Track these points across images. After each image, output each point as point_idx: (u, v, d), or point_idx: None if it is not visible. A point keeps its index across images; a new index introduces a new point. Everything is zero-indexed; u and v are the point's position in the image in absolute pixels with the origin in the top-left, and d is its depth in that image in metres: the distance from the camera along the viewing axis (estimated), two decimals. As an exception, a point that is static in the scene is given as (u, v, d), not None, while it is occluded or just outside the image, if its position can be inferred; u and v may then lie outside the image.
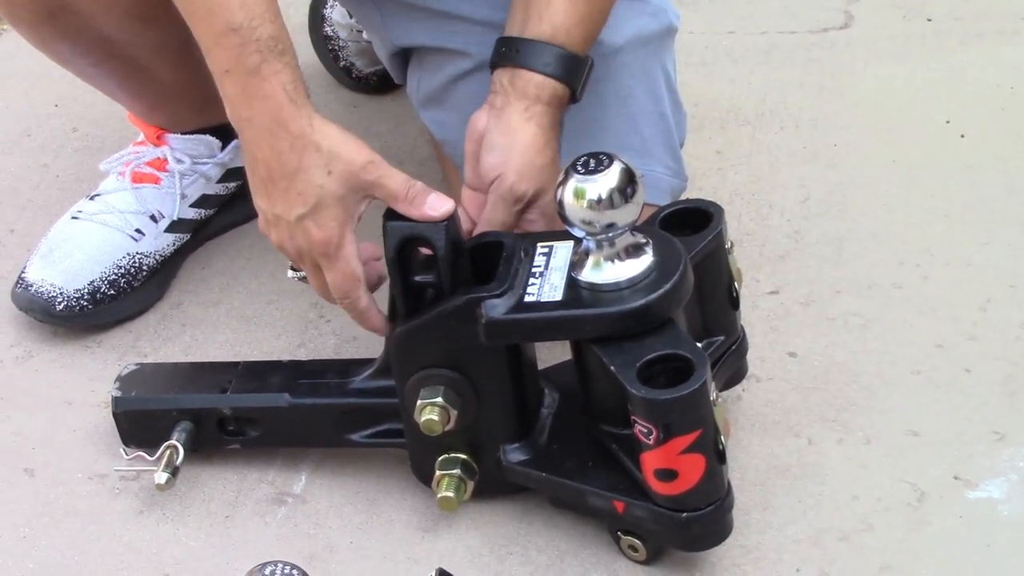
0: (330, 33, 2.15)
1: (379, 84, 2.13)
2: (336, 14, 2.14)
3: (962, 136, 1.95)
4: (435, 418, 1.40)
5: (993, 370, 1.59)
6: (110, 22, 1.62)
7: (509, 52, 1.47)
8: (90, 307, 1.74)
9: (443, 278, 1.37)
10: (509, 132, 1.44)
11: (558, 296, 1.35)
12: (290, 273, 1.44)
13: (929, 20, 2.20)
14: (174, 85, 1.72)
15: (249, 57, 1.31)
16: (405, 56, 1.71)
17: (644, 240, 1.36)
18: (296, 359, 1.66)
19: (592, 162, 1.32)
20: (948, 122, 1.98)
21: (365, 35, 2.07)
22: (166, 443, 1.51)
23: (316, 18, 2.17)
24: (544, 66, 1.45)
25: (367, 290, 1.40)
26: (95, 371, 1.71)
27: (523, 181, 1.44)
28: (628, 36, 1.57)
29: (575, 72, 1.47)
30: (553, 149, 1.46)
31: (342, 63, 2.14)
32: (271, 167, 1.34)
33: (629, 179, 1.31)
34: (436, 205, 1.37)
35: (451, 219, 1.37)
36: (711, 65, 2.15)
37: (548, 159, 1.45)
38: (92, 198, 1.80)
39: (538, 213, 1.46)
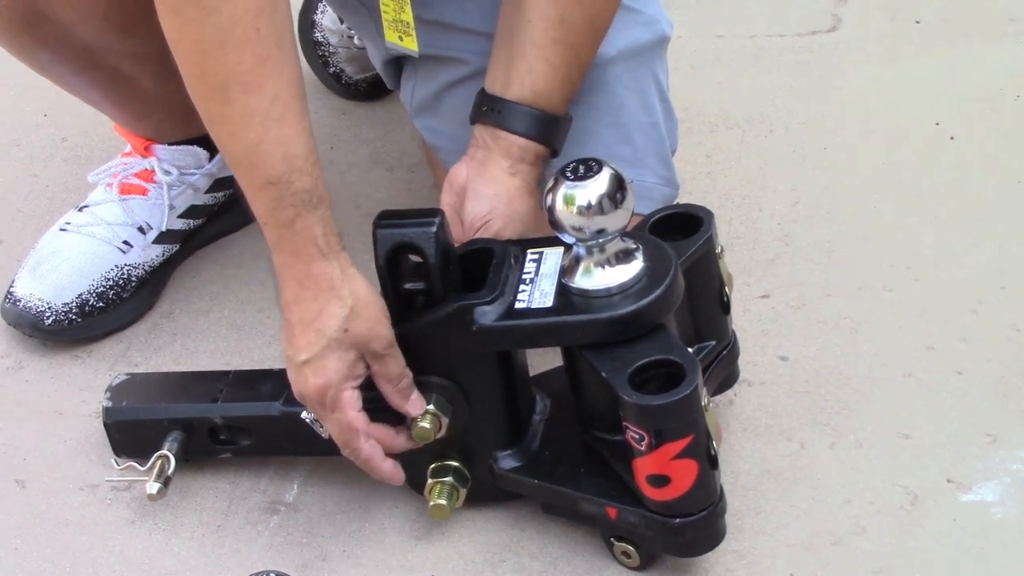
0: (320, 39, 2.14)
1: (369, 90, 2.13)
2: (327, 20, 2.14)
3: (951, 138, 1.95)
4: (427, 426, 1.40)
5: (984, 372, 1.59)
6: (88, 31, 1.62)
7: (491, 112, 1.49)
8: (79, 320, 1.73)
9: (433, 285, 1.37)
10: (494, 183, 1.47)
11: (548, 302, 1.35)
12: (305, 414, 1.43)
13: (917, 22, 2.20)
14: (158, 95, 1.72)
15: (284, 211, 1.33)
16: (399, 63, 1.71)
17: (634, 246, 1.36)
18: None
19: (582, 168, 1.32)
20: (937, 124, 1.98)
21: (357, 41, 2.07)
22: (157, 453, 1.50)
23: (306, 23, 2.17)
24: (526, 129, 1.48)
25: (369, 440, 1.41)
26: (86, 381, 1.70)
27: (509, 227, 1.46)
28: (620, 47, 1.57)
29: (555, 133, 1.50)
30: (536, 198, 1.48)
31: (332, 69, 2.14)
32: (294, 312, 1.36)
33: (618, 185, 1.31)
34: (416, 406, 1.41)
35: (441, 226, 1.36)
36: (700, 69, 2.15)
37: (531, 206, 1.48)
38: (80, 209, 1.80)
39: None
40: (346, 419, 1.38)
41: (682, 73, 2.12)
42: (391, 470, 1.43)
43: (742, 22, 2.26)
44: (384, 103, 2.11)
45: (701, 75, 2.14)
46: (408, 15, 1.55)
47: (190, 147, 1.81)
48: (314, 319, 1.35)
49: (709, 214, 1.47)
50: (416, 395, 1.41)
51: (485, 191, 1.47)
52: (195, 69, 1.33)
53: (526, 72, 1.48)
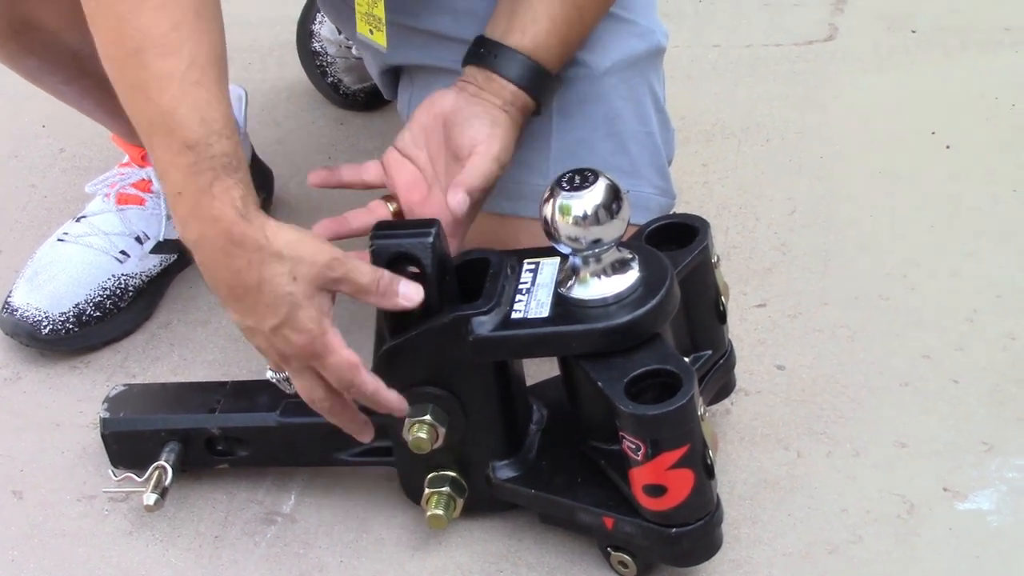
0: (318, 49, 2.15)
1: (367, 100, 2.14)
2: (325, 30, 2.15)
3: (947, 147, 1.95)
4: (423, 436, 1.40)
5: (980, 380, 1.59)
6: (75, 37, 1.61)
7: (487, 55, 1.48)
8: (76, 330, 1.74)
9: (430, 296, 1.37)
10: (489, 111, 1.46)
11: (545, 312, 1.36)
12: (270, 374, 1.41)
13: (913, 31, 2.21)
14: None
15: (203, 176, 1.28)
16: (396, 73, 1.72)
17: (630, 256, 1.36)
18: (284, 378, 1.66)
19: (577, 179, 1.32)
20: (933, 133, 1.98)
21: (354, 51, 2.07)
22: (155, 464, 1.50)
23: (304, 33, 2.17)
24: (519, 77, 1.47)
25: (370, 373, 1.37)
26: (83, 392, 1.70)
27: (503, 154, 1.45)
28: (616, 58, 1.57)
29: (545, 89, 1.50)
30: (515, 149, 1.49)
31: (330, 79, 2.15)
32: (232, 285, 1.31)
33: (614, 195, 1.32)
34: (409, 294, 1.36)
35: (437, 236, 1.37)
36: (697, 79, 2.16)
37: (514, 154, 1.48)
38: (78, 220, 1.81)
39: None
40: (342, 357, 1.33)
41: (679, 83, 2.13)
42: (398, 399, 1.39)
43: (738, 32, 2.27)
44: (382, 113, 2.12)
45: (698, 85, 2.14)
46: (380, 11, 1.55)
47: (187, 158, 1.81)
48: (260, 284, 1.30)
49: (705, 224, 1.47)
50: (403, 282, 1.36)
51: (482, 115, 1.46)
52: (111, 35, 1.30)
53: (529, 22, 1.48)
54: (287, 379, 1.39)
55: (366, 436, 1.42)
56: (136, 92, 1.30)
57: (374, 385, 1.36)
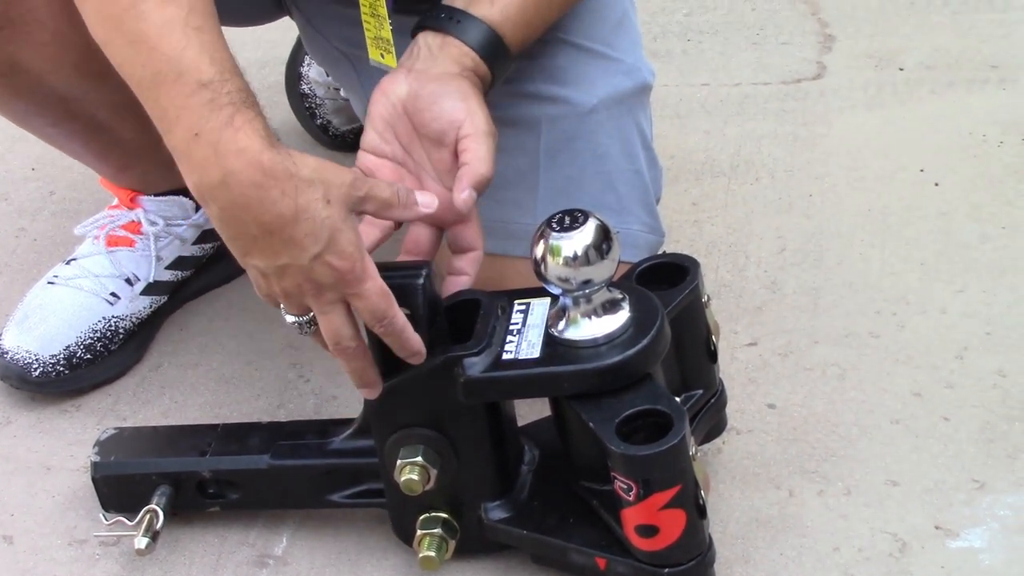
0: (307, 91, 2.15)
1: (356, 142, 2.10)
2: (313, 72, 2.15)
3: (936, 184, 1.96)
4: (415, 477, 1.40)
5: (971, 418, 1.59)
6: (61, 80, 1.61)
7: (447, 20, 1.43)
8: (66, 372, 1.73)
9: (421, 337, 1.37)
10: (453, 84, 1.40)
11: (536, 353, 1.35)
12: (290, 319, 1.35)
13: (901, 69, 2.22)
14: (139, 145, 1.71)
15: (222, 110, 1.25)
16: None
17: (621, 296, 1.36)
18: (275, 420, 1.66)
19: (567, 219, 1.32)
20: (922, 170, 1.99)
21: (342, 93, 2.08)
22: (146, 507, 1.50)
23: (293, 76, 2.18)
24: (479, 45, 1.42)
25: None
26: (74, 435, 1.70)
27: (489, 123, 1.40)
28: (602, 95, 1.58)
29: (501, 64, 1.45)
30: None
31: (319, 121, 2.15)
32: (265, 221, 1.26)
33: (604, 235, 1.32)
34: (427, 202, 1.35)
35: (428, 278, 1.36)
36: (685, 117, 2.17)
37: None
38: (68, 262, 1.81)
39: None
40: (379, 284, 1.30)
41: (668, 121, 2.14)
42: (420, 342, 1.35)
43: (727, 70, 2.28)
44: (371, 154, 2.12)
45: (687, 123, 2.15)
46: (387, 32, 1.53)
47: (176, 197, 1.81)
48: (298, 212, 1.25)
49: (695, 263, 1.47)
50: (419, 193, 1.34)
51: (446, 91, 1.40)
52: None
53: None
54: (310, 322, 1.34)
55: (375, 391, 1.38)
56: (137, 45, 1.27)
57: (403, 321, 1.33)
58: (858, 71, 2.24)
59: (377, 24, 1.53)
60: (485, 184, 1.38)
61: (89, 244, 1.82)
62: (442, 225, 1.43)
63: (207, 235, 1.86)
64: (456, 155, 1.40)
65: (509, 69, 1.47)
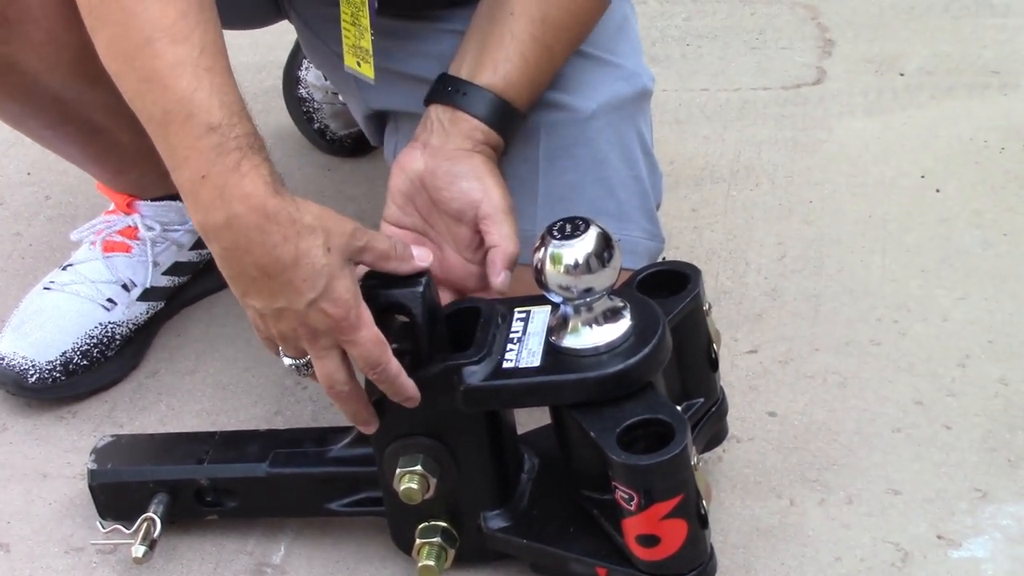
0: (304, 95, 2.15)
1: (353, 146, 2.13)
2: (311, 76, 2.14)
3: (937, 191, 1.95)
4: (414, 486, 1.39)
5: (973, 426, 1.58)
6: (56, 80, 1.60)
7: (455, 93, 1.47)
8: (63, 378, 1.72)
9: (420, 345, 1.36)
10: (468, 163, 1.45)
11: (536, 362, 1.35)
12: (288, 361, 1.37)
13: (901, 75, 2.21)
14: (136, 149, 1.70)
15: (229, 155, 1.27)
16: (381, 119, 1.71)
17: (622, 304, 1.35)
18: (273, 427, 1.65)
19: (568, 227, 1.32)
20: (923, 177, 1.98)
21: (340, 97, 2.07)
22: (143, 515, 1.49)
23: (290, 80, 2.17)
24: (489, 116, 1.46)
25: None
26: (70, 443, 1.69)
27: (507, 199, 1.44)
28: (601, 101, 1.57)
29: (512, 126, 1.49)
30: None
31: (316, 125, 2.14)
32: (265, 264, 1.28)
33: (606, 244, 1.31)
34: (422, 256, 1.37)
35: (427, 286, 1.36)
36: (685, 123, 2.16)
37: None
38: (64, 268, 1.79)
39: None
40: (374, 332, 1.31)
41: (667, 127, 2.13)
42: (414, 388, 1.36)
43: (727, 75, 2.27)
44: (369, 159, 2.12)
45: (686, 129, 2.14)
46: (367, 43, 1.53)
47: (172, 202, 1.80)
48: (297, 258, 1.27)
49: (696, 271, 1.46)
50: (414, 247, 1.36)
51: (462, 170, 1.44)
52: (117, 29, 1.29)
53: (502, 61, 1.46)
54: (307, 364, 1.35)
55: (372, 427, 1.39)
56: (149, 83, 1.29)
57: (398, 367, 1.34)
58: (858, 76, 2.23)
59: (357, 33, 1.54)
60: (516, 261, 1.42)
61: (86, 249, 1.81)
62: (463, 292, 1.47)
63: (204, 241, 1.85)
64: (476, 231, 1.44)
65: (520, 127, 1.51)
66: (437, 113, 1.48)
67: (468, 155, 1.45)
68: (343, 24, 1.54)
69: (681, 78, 2.27)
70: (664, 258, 1.64)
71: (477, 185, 1.44)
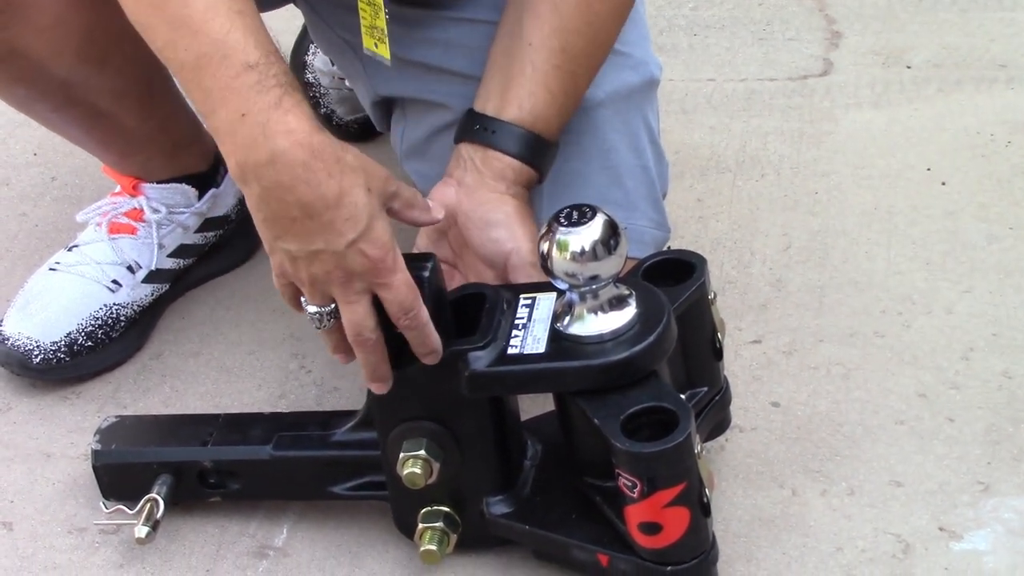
0: (311, 80, 2.15)
1: (360, 132, 2.13)
2: (318, 61, 2.14)
3: (943, 183, 1.95)
4: (418, 471, 1.39)
5: (976, 419, 1.58)
6: (62, 65, 1.60)
7: (483, 131, 1.47)
8: (67, 359, 1.73)
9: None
10: (501, 208, 1.45)
11: (541, 348, 1.35)
12: (312, 309, 1.34)
13: (908, 67, 2.21)
14: (142, 133, 1.71)
15: (270, 92, 1.25)
16: (387, 105, 1.71)
17: (627, 292, 1.35)
18: (277, 411, 1.65)
19: (575, 214, 1.32)
20: (929, 169, 1.98)
21: (347, 83, 2.07)
22: (146, 496, 1.49)
23: (297, 65, 2.17)
24: (520, 151, 1.46)
25: None
26: (74, 423, 1.69)
27: (534, 251, 1.42)
28: (609, 90, 1.57)
29: (546, 158, 1.49)
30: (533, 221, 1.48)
31: (323, 110, 2.14)
32: (308, 202, 1.26)
33: (612, 231, 1.31)
34: (437, 209, 1.39)
35: (433, 271, 1.36)
36: (691, 113, 2.16)
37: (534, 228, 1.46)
38: (70, 249, 1.80)
39: None
40: (408, 277, 1.31)
41: (673, 116, 2.13)
42: (439, 342, 1.35)
43: (733, 66, 2.27)
44: (376, 144, 2.11)
45: (693, 119, 2.14)
46: (382, 22, 1.53)
47: (179, 185, 1.81)
48: (341, 196, 1.26)
49: (702, 260, 1.46)
50: (429, 200, 1.38)
51: (496, 218, 1.45)
52: None
53: (526, 96, 1.47)
54: (331, 313, 1.34)
55: (387, 386, 1.38)
56: (180, 29, 1.28)
57: (427, 315, 1.34)
58: (865, 68, 2.23)
59: (372, 13, 1.53)
60: None
61: (91, 231, 1.81)
62: None
63: (209, 223, 1.85)
64: (504, 277, 1.46)
65: (553, 156, 1.51)
66: (468, 152, 1.47)
67: (501, 200, 1.46)
68: (360, 4, 1.54)
69: (688, 68, 2.27)
70: (670, 247, 1.64)
71: (507, 235, 1.44)
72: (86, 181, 2.10)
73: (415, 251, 1.47)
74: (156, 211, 1.80)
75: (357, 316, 1.32)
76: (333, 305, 1.33)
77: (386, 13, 1.52)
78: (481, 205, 1.46)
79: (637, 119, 1.62)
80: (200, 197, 1.82)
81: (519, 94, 1.47)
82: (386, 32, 1.54)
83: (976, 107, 2.10)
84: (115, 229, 1.80)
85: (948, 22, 2.32)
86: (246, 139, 1.26)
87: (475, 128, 1.48)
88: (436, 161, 1.61)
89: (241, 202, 1.88)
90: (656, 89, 1.66)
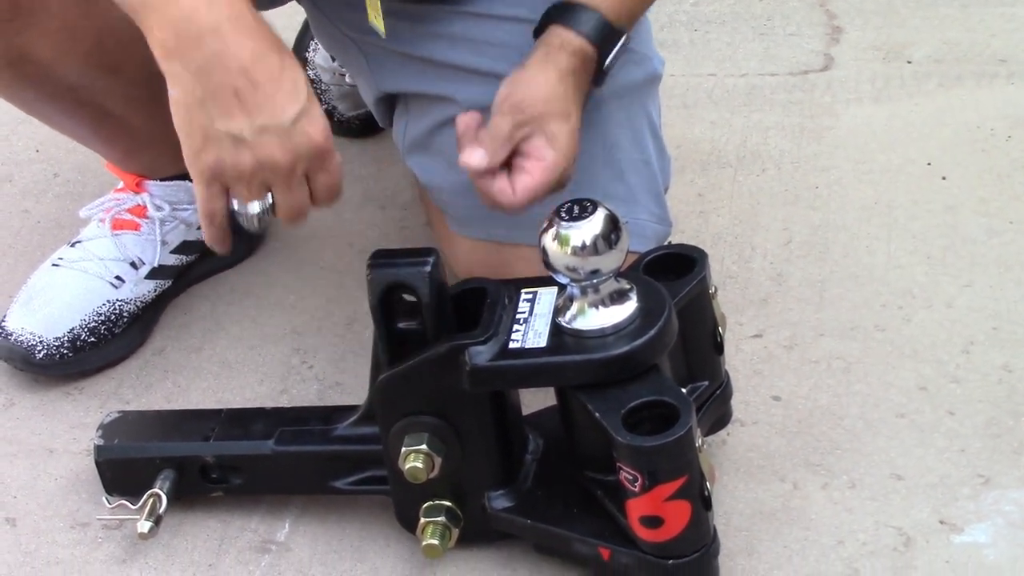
0: (312, 76, 2.15)
1: (361, 128, 2.14)
2: (319, 57, 2.15)
3: (943, 178, 1.95)
4: (419, 465, 1.39)
5: (976, 412, 1.59)
6: (72, 70, 1.60)
7: (550, 13, 1.47)
8: (70, 355, 1.73)
9: (427, 325, 1.37)
10: (524, 69, 1.44)
11: (542, 343, 1.35)
12: (256, 208, 1.31)
13: (909, 62, 2.22)
14: (148, 133, 1.71)
15: None
16: (390, 101, 1.71)
17: (628, 286, 1.36)
18: (279, 406, 1.65)
19: (576, 208, 1.32)
20: (929, 164, 1.98)
21: (348, 79, 2.07)
22: (149, 491, 1.50)
23: (298, 61, 2.17)
24: (579, 25, 1.45)
25: None
26: (77, 418, 1.70)
27: (528, 101, 1.42)
28: (613, 86, 1.57)
29: (607, 39, 1.47)
30: (567, 88, 1.44)
31: (325, 106, 2.14)
32: (252, 74, 1.24)
33: (613, 225, 1.31)
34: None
35: (435, 265, 1.36)
36: (692, 107, 2.16)
37: (558, 93, 1.43)
38: (73, 245, 1.80)
39: (543, 140, 1.43)
40: (339, 158, 1.32)
41: (675, 111, 2.13)
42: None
43: (734, 60, 2.28)
44: (377, 140, 2.12)
45: (693, 113, 2.15)
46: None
47: (182, 182, 1.81)
48: (283, 69, 1.26)
49: (703, 255, 1.47)
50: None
51: (513, 77, 1.44)
52: None
53: None
54: (270, 208, 1.32)
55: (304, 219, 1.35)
56: None
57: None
58: (866, 63, 2.23)
59: None
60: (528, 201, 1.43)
61: (94, 227, 1.82)
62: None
63: (212, 220, 1.86)
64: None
65: (621, 43, 1.48)
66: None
67: (536, 65, 1.43)
68: None
69: (689, 63, 2.27)
70: (671, 242, 1.64)
71: (508, 91, 1.43)
72: (88, 177, 2.10)
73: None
74: (159, 208, 1.80)
75: (299, 200, 1.31)
76: (269, 200, 1.32)
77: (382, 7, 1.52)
78: (514, 73, 1.44)
79: (640, 114, 1.63)
80: (202, 193, 1.82)
81: None
82: (379, 8, 1.54)
83: (977, 102, 2.11)
84: (118, 225, 1.81)
85: (949, 17, 2.33)
86: (187, 8, 1.23)
87: (547, 13, 1.47)
88: (440, 154, 1.61)
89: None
90: (658, 84, 1.67)
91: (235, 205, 1.33)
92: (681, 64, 2.27)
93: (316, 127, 1.28)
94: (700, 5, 2.44)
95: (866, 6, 2.38)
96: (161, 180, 1.81)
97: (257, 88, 1.25)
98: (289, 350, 1.77)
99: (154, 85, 1.52)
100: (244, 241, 1.91)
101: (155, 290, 1.82)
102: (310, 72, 2.15)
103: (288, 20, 2.10)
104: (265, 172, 1.29)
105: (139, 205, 1.81)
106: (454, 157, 1.51)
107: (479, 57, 1.57)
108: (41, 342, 1.72)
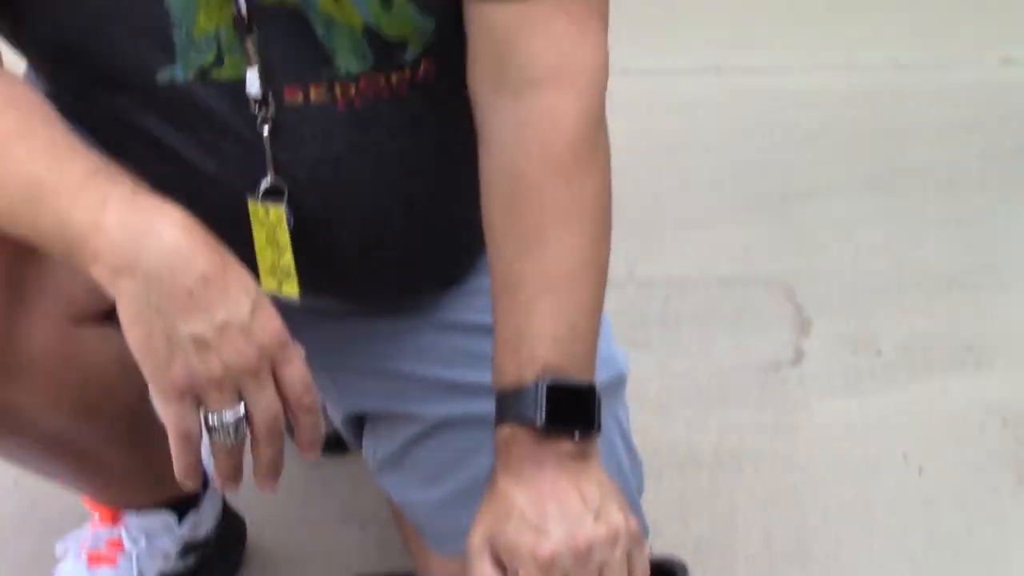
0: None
1: (338, 443, 2.13)
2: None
3: (920, 471, 1.96)
4: None
5: None
6: (57, 420, 1.59)
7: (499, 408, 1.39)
8: None
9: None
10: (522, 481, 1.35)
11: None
12: (230, 416, 1.25)
13: (879, 353, 2.24)
14: (125, 467, 1.70)
15: (122, 184, 1.23)
16: (359, 421, 1.72)
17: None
18: None
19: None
20: (905, 457, 1.99)
21: (320, 398, 2.07)
22: None
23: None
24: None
25: None
26: None
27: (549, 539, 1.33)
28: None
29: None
30: (587, 485, 1.36)
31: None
32: (204, 270, 1.22)
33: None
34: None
35: None
36: (666, 408, 2.17)
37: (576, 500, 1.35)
38: (50, 584, 1.79)
39: None
40: (301, 351, 1.26)
41: (649, 412, 2.13)
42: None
43: (705, 357, 2.29)
44: (354, 457, 2.11)
45: (667, 413, 2.15)
46: (288, 260, 1.47)
47: (159, 514, 1.80)
48: (225, 265, 1.22)
49: (684, 569, 1.46)
50: None
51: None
52: None
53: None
54: (241, 419, 1.26)
55: (277, 479, 1.33)
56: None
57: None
58: (835, 355, 2.25)
59: (276, 253, 1.47)
60: None
61: (71, 562, 1.80)
62: None
63: (189, 548, 1.84)
64: None
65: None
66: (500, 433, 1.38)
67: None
68: (258, 249, 1.48)
69: (660, 362, 2.28)
70: (651, 548, 1.63)
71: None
72: (66, 507, 2.09)
73: None
74: (136, 541, 1.79)
75: (270, 401, 1.26)
76: (243, 409, 1.26)
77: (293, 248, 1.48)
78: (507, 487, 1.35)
79: (608, 418, 1.61)
80: (180, 522, 1.81)
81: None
82: (293, 269, 1.47)
83: (946, 391, 2.12)
84: (95, 560, 1.79)
85: (914, 306, 2.35)
86: (119, 224, 1.22)
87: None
88: (412, 471, 1.61)
89: (219, 523, 1.87)
90: (625, 385, 1.66)
91: (207, 422, 1.26)
92: (652, 363, 2.28)
93: (272, 317, 1.25)
94: (670, 302, 2.47)
95: (832, 297, 2.41)
96: (138, 510, 1.80)
97: (209, 285, 1.22)
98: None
99: (133, 425, 1.53)
100: (221, 571, 1.89)
101: (133, 622, 1.80)
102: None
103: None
104: (234, 372, 1.24)
105: (116, 538, 1.80)
106: (427, 473, 1.50)
107: (446, 368, 1.57)
108: None
